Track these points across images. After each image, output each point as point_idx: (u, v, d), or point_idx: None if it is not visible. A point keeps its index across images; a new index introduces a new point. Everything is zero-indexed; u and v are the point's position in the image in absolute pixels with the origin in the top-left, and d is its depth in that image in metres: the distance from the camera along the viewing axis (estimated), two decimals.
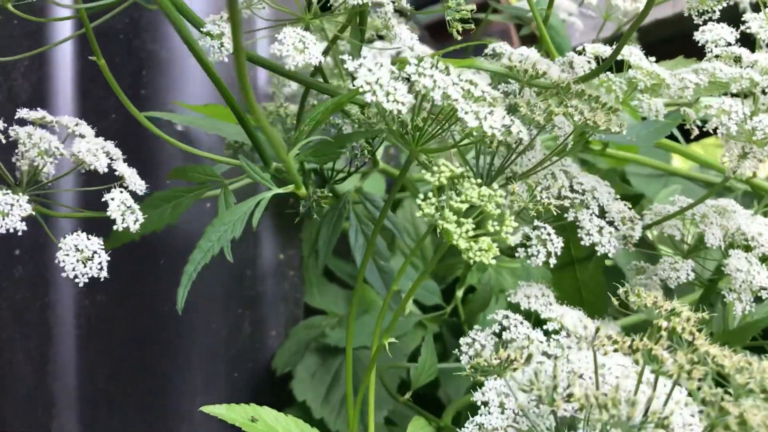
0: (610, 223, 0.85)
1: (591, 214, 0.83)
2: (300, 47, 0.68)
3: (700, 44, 0.86)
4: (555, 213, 0.71)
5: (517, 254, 0.81)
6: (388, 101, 0.61)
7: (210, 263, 1.25)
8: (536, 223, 0.81)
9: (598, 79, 0.86)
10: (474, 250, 0.58)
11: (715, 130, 0.74)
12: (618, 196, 0.89)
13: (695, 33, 0.87)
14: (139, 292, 1.09)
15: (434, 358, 0.96)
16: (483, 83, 0.68)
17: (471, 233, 0.59)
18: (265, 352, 1.27)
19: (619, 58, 0.88)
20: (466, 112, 0.63)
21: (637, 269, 0.96)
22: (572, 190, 0.85)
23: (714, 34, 0.85)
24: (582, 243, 0.82)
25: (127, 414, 1.14)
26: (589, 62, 0.86)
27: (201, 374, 1.18)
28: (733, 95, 0.78)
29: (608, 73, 0.87)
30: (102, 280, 0.59)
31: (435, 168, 0.61)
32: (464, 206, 0.59)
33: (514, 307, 0.88)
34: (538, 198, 0.70)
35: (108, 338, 1.10)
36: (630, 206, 0.89)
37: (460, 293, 1.32)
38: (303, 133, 0.69)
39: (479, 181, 0.62)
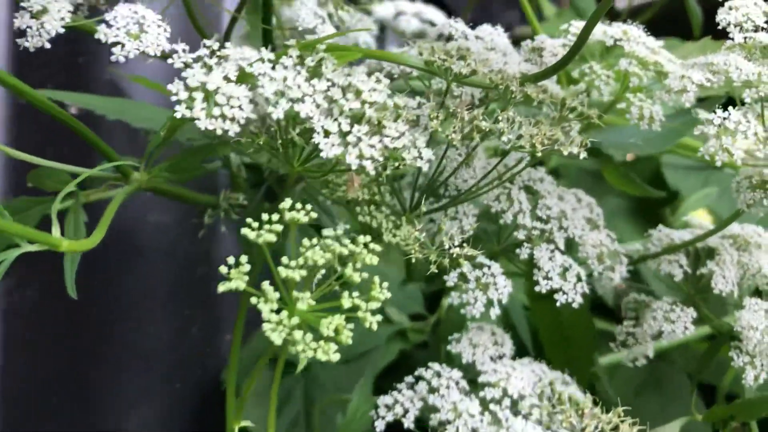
0: (581, 263, 0.66)
1: (553, 251, 0.64)
2: (135, 31, 0.51)
3: (720, 26, 0.64)
4: (465, 262, 0.52)
5: (450, 299, 0.63)
6: (207, 116, 0.43)
7: (152, 259, 1.11)
8: (481, 259, 0.62)
9: (579, 71, 0.66)
10: (306, 344, 0.40)
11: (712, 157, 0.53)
12: (597, 221, 0.69)
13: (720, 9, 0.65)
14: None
15: (369, 403, 0.79)
16: (378, 87, 0.50)
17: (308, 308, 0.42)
18: (217, 360, 1.12)
19: (611, 41, 0.68)
20: (326, 134, 0.45)
21: (634, 305, 0.76)
22: (537, 218, 0.66)
23: (740, 14, 0.63)
24: (537, 289, 0.63)
25: (50, 426, 1.01)
26: (566, 47, 0.66)
27: (135, 385, 1.03)
28: (744, 103, 0.56)
29: (593, 64, 0.66)
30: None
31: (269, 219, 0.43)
32: (298, 273, 0.41)
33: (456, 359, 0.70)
34: (446, 245, 0.51)
35: (36, 338, 0.97)
36: (612, 237, 0.69)
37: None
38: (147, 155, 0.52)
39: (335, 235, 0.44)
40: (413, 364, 1.24)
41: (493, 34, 0.66)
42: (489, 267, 0.62)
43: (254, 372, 0.50)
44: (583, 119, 0.59)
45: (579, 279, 0.64)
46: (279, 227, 0.41)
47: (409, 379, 0.67)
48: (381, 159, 0.46)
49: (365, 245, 0.45)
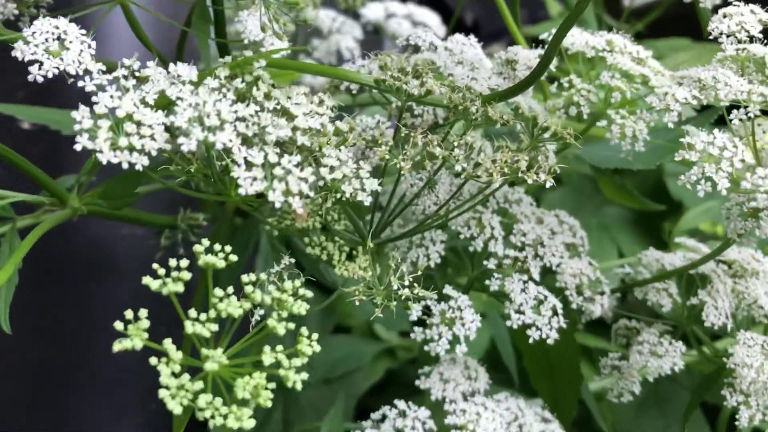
0: (560, 292, 0.61)
1: (526, 282, 0.58)
2: (55, 48, 0.46)
3: (712, 36, 0.59)
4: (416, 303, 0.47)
5: (412, 335, 0.58)
6: (111, 147, 0.38)
7: (125, 272, 1.06)
8: (448, 290, 0.57)
9: (556, 86, 0.60)
10: (215, 409, 0.35)
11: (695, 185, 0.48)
12: (579, 247, 0.64)
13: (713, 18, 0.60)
14: (39, 306, 0.92)
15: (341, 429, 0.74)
16: (320, 110, 0.45)
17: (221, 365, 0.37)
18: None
19: (593, 52, 0.62)
20: (248, 166, 0.40)
21: (624, 331, 0.71)
22: (511, 245, 0.60)
23: (733, 22, 0.57)
24: (508, 324, 0.57)
25: None
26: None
27: (107, 407, 0.99)
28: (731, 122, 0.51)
29: (572, 77, 0.61)
30: None
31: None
32: (208, 328, 0.36)
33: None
34: (395, 285, 0.46)
35: (2, 359, 0.93)
36: (595, 265, 0.63)
37: None
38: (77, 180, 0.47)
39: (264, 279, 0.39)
40: (403, 381, 1.19)
41: (465, 46, 0.61)
42: (456, 300, 0.57)
43: None
44: (557, 139, 0.54)
45: (555, 312, 0.58)
46: (187, 275, 0.37)
47: (376, 415, 0.62)
48: (311, 194, 0.41)
49: (294, 292, 0.40)
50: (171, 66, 0.47)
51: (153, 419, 1.03)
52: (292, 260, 0.51)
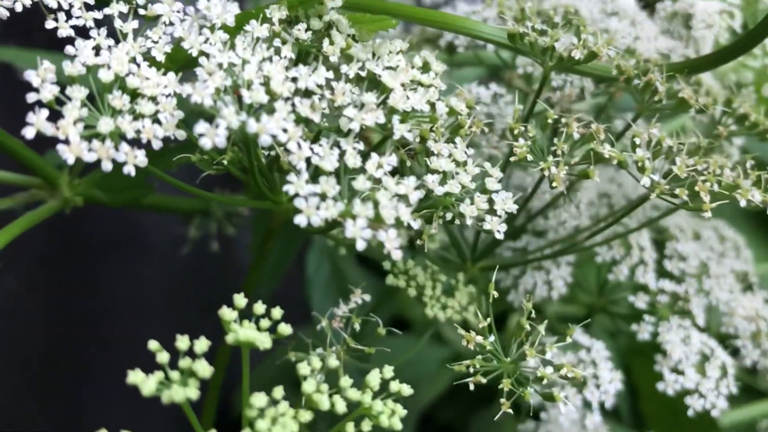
0: (724, 340, 0.43)
1: (687, 328, 0.41)
2: None
3: None
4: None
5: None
6: (84, 137, 0.22)
7: (146, 253, 0.92)
8: (579, 335, 0.41)
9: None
10: None
11: None
12: (748, 274, 0.46)
13: None
14: (52, 288, 0.79)
15: None
16: (424, 78, 0.28)
17: None
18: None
19: None
20: (314, 176, 0.24)
21: None
22: (663, 272, 0.43)
23: None
24: (661, 388, 0.40)
25: None
26: (726, 14, 0.42)
27: (127, 403, 0.85)
28: None
29: None
30: None
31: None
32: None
33: None
34: (529, 358, 0.29)
35: (16, 341, 0.80)
36: None
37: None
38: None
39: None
40: (472, 391, 1.01)
41: None
42: (589, 349, 0.41)
43: None
44: (756, 132, 0.36)
45: (724, 373, 0.41)
46: (205, 371, 0.21)
47: None
48: (415, 223, 0.24)
49: (382, 390, 0.24)
50: (201, 1, 0.31)
51: (177, 419, 0.89)
52: (366, 296, 0.34)
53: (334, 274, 0.68)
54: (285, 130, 0.23)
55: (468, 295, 0.38)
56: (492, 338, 0.30)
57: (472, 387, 0.29)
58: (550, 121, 0.31)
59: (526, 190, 0.43)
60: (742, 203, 0.30)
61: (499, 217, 0.27)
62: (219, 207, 0.53)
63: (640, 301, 0.42)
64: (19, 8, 0.31)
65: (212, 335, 0.94)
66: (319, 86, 0.25)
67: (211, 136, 0.22)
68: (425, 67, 0.30)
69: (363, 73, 0.27)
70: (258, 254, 0.34)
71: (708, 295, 0.43)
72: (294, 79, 0.24)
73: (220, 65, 0.24)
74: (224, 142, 0.22)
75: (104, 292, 0.84)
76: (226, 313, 0.22)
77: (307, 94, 0.25)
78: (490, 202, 0.28)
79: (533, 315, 0.30)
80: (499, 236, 0.27)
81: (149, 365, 0.85)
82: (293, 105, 0.24)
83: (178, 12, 0.28)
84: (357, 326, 0.33)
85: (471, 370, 0.29)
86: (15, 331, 0.80)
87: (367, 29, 0.30)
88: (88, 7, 0.28)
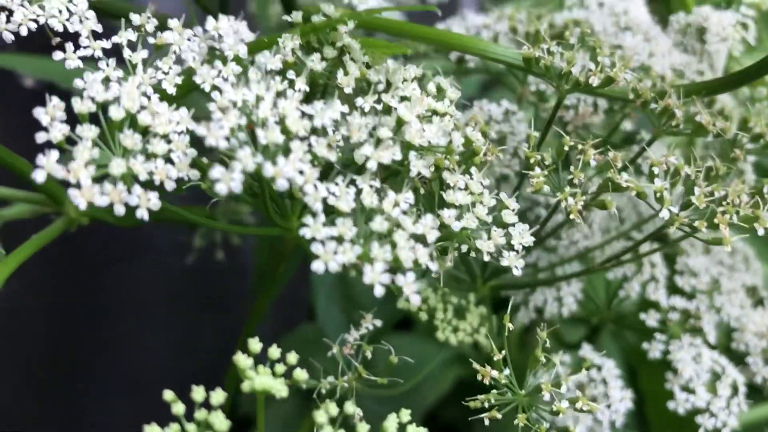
0: (732, 353, 0.43)
1: (699, 345, 0.41)
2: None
3: None
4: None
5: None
6: (95, 179, 0.22)
7: (150, 255, 0.91)
8: (587, 351, 0.40)
9: None
10: None
11: None
12: (758, 288, 0.46)
13: None
14: (53, 288, 0.78)
15: None
16: (439, 106, 0.28)
17: None
18: (235, 375, 0.92)
19: None
20: (330, 218, 0.23)
21: None
22: (674, 288, 0.43)
23: None
24: (672, 407, 0.40)
25: None
26: (740, 26, 0.42)
27: (128, 405, 0.85)
28: None
29: None
30: None
31: None
32: None
33: None
34: (545, 393, 0.29)
35: (17, 341, 0.80)
36: None
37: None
38: None
39: None
40: (476, 391, 1.01)
41: (627, 1, 0.42)
42: (600, 368, 0.40)
43: None
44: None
45: (735, 391, 0.41)
46: (222, 426, 0.20)
47: None
48: (434, 265, 0.24)
49: None
50: (209, 21, 0.30)
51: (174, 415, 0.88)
52: (377, 322, 0.34)
53: (340, 276, 0.68)
54: (301, 172, 0.23)
55: (479, 316, 0.38)
56: (507, 371, 0.29)
57: (486, 422, 0.29)
58: (566, 148, 0.30)
59: (538, 203, 0.43)
60: (761, 232, 0.30)
61: (517, 252, 0.27)
62: (224, 216, 0.52)
63: (651, 319, 0.42)
64: (24, 32, 0.30)
65: (212, 335, 0.93)
66: (335, 121, 0.25)
67: (226, 182, 0.22)
68: (439, 93, 0.29)
69: (378, 107, 0.26)
70: (267, 281, 0.33)
71: (719, 312, 0.43)
72: (310, 117, 0.24)
73: (234, 103, 0.23)
74: (240, 187, 0.22)
75: (106, 293, 0.83)
76: (241, 360, 0.22)
77: (321, 132, 0.24)
78: (507, 236, 0.27)
79: (548, 345, 0.30)
80: (517, 273, 0.26)
81: (149, 366, 0.85)
82: (309, 144, 0.23)
83: (189, 40, 0.27)
84: (368, 354, 0.33)
85: (486, 405, 0.29)
86: (16, 332, 0.80)
87: (381, 53, 0.30)
88: (96, 35, 0.27)
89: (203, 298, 0.90)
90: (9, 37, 0.30)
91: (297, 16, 0.30)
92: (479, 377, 0.29)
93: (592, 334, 0.51)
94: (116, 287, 0.86)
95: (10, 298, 0.80)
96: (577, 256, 0.40)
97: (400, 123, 0.26)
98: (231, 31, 0.31)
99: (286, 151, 0.23)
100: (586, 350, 0.42)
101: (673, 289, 0.43)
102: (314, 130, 0.24)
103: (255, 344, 0.23)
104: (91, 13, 0.30)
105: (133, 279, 0.85)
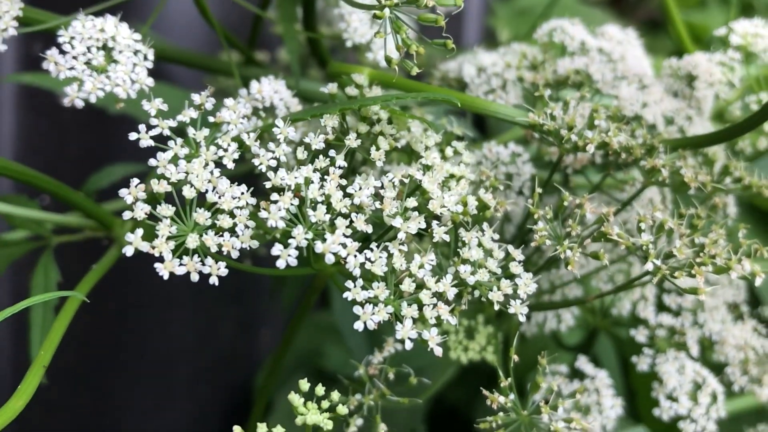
0: (718, 369, 0.48)
1: (683, 358, 0.46)
2: (100, 62, 0.34)
3: None
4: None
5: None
6: (176, 253, 0.26)
7: None
8: (583, 363, 0.45)
9: None
10: None
11: None
12: (739, 303, 0.51)
13: None
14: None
15: None
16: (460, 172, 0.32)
17: None
18: (251, 360, 0.99)
19: None
20: (366, 281, 0.28)
21: None
22: (662, 306, 0.48)
23: None
24: (657, 413, 0.45)
25: (66, 425, 0.89)
26: (726, 68, 0.46)
27: (153, 390, 0.91)
28: None
29: None
30: None
31: None
32: None
33: None
34: (543, 416, 0.34)
35: None
36: (762, 332, 0.50)
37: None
38: None
39: None
40: (481, 372, 1.06)
41: (622, 45, 0.46)
42: (593, 379, 0.46)
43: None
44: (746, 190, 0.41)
45: (714, 399, 0.46)
46: None
47: None
48: (453, 319, 0.28)
49: None
50: (253, 86, 0.35)
51: (204, 403, 0.95)
52: (399, 345, 0.39)
53: None
54: (344, 245, 0.27)
55: (486, 336, 0.43)
56: (512, 396, 0.34)
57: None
58: (565, 203, 0.35)
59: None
60: (734, 276, 0.35)
61: (522, 300, 0.32)
62: None
63: (641, 335, 0.47)
64: (93, 100, 0.35)
65: (231, 326, 0.98)
66: (370, 196, 0.29)
67: (284, 257, 0.26)
68: (456, 156, 0.34)
69: (406, 181, 0.31)
70: (298, 311, 0.38)
71: (702, 327, 0.48)
72: (350, 195, 0.29)
73: (288, 187, 0.28)
74: (295, 261, 0.27)
75: (136, 288, 0.88)
76: (295, 399, 0.27)
77: (360, 208, 0.29)
78: (514, 287, 0.32)
79: (547, 371, 0.35)
80: (522, 319, 0.31)
81: (175, 351, 0.89)
82: (350, 220, 0.28)
83: (244, 119, 0.32)
84: (391, 376, 0.38)
85: (494, 425, 0.34)
86: None
87: (404, 120, 0.34)
88: (162, 114, 0.32)
89: (224, 293, 0.95)
90: (80, 104, 0.35)
91: (332, 87, 0.35)
92: (488, 402, 0.34)
93: (590, 337, 0.56)
94: (145, 283, 0.91)
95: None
96: (575, 279, 0.45)
97: (423, 193, 0.31)
98: (272, 90, 0.36)
99: (332, 227, 0.28)
100: (582, 361, 0.47)
101: (660, 307, 0.48)
102: (354, 207, 0.29)
103: (305, 384, 0.28)
104: (151, 81, 0.35)
105: (160, 276, 0.90)
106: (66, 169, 0.69)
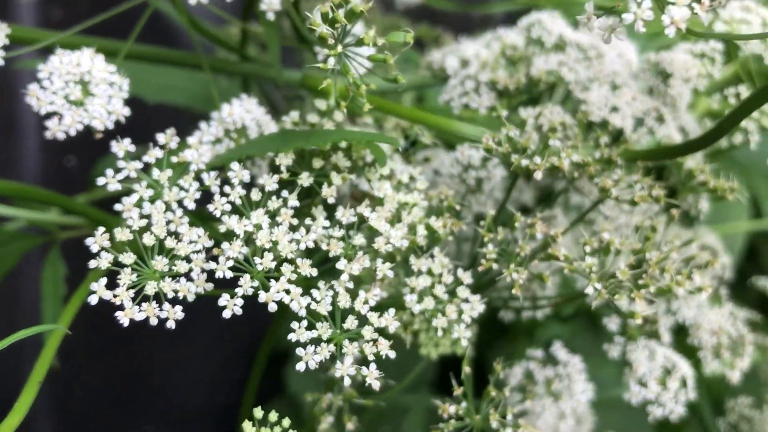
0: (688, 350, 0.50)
1: (653, 345, 0.48)
2: (77, 96, 0.36)
3: None
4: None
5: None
6: (128, 292, 0.29)
7: None
8: (557, 350, 0.48)
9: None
10: None
11: None
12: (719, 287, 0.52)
13: None
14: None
15: None
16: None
17: None
18: (267, 321, 1.04)
19: None
20: (310, 323, 0.30)
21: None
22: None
23: None
24: (627, 397, 0.48)
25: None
26: (707, 59, 0.46)
27: (175, 378, 0.96)
28: None
29: None
30: None
31: None
32: None
33: None
34: (492, 421, 0.37)
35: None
36: (737, 315, 0.52)
37: None
38: None
39: None
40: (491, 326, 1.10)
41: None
42: (566, 365, 0.48)
43: None
44: (713, 194, 0.42)
45: (683, 384, 0.48)
46: None
47: None
48: (393, 354, 0.31)
49: None
50: (224, 109, 0.37)
51: (221, 361, 1.00)
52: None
53: None
54: (288, 291, 0.30)
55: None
56: (464, 404, 0.37)
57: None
58: (517, 224, 0.36)
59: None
60: (680, 292, 0.36)
61: (467, 324, 0.34)
62: None
63: (613, 324, 0.49)
64: (73, 133, 0.37)
65: (245, 324, 1.02)
66: (320, 239, 0.32)
67: (230, 307, 0.29)
68: (410, 184, 0.36)
69: (354, 219, 0.33)
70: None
71: (675, 315, 0.50)
72: (297, 242, 0.31)
73: (237, 236, 0.30)
74: (241, 311, 0.29)
75: None
76: (248, 428, 0.30)
77: (307, 252, 0.31)
78: (459, 311, 0.34)
79: (501, 378, 0.37)
80: (465, 343, 0.33)
81: (194, 344, 0.93)
82: (295, 266, 0.30)
83: (205, 160, 0.34)
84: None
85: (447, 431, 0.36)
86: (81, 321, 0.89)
87: (362, 148, 0.36)
88: (132, 154, 0.34)
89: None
90: (62, 137, 0.37)
91: (294, 116, 0.37)
92: (440, 412, 0.37)
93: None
94: None
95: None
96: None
97: (371, 230, 0.33)
98: (243, 111, 0.38)
99: (278, 272, 0.30)
100: (556, 347, 0.49)
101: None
102: (300, 252, 0.31)
103: (258, 412, 0.31)
104: (127, 110, 0.38)
105: None
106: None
